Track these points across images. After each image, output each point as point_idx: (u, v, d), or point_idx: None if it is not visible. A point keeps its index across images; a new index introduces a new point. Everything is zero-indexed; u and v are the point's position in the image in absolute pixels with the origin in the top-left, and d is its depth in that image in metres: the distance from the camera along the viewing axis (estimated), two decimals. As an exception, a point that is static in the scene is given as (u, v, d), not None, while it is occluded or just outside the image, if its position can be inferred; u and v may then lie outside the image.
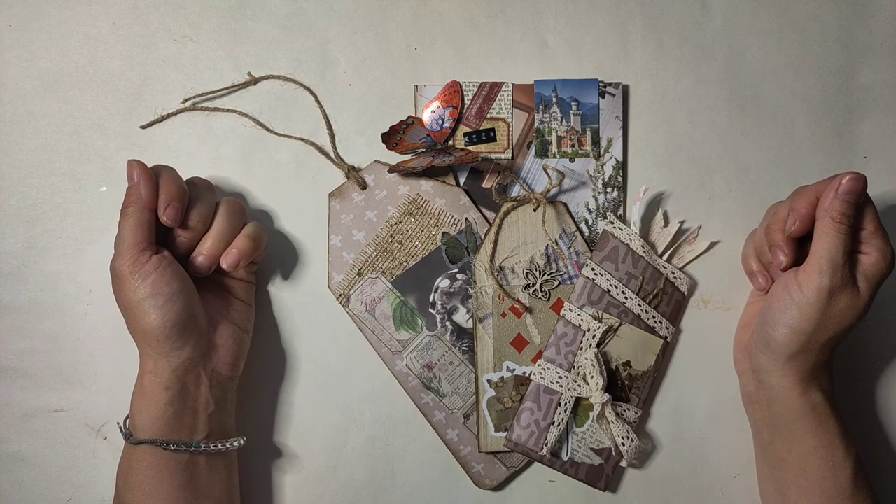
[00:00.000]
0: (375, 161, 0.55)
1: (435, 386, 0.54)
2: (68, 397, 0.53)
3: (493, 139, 0.55)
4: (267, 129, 0.55)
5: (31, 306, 0.54)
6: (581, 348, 0.53)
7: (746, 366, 0.52)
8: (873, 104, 0.57)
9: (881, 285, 0.47)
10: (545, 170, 0.54)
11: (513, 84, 0.55)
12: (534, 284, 0.54)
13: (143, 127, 0.55)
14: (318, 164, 0.55)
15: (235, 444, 0.48)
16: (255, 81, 0.55)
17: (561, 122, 0.55)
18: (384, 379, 0.54)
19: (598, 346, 0.53)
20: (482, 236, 0.54)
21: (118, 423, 0.48)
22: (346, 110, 0.55)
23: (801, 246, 0.49)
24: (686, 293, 0.55)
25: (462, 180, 0.55)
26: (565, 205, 0.55)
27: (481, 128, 0.55)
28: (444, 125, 0.55)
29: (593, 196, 0.55)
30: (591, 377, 0.52)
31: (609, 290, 0.53)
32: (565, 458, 0.53)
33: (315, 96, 0.55)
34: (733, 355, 0.54)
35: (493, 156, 0.55)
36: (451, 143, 0.55)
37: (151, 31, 0.55)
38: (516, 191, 0.55)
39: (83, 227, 0.54)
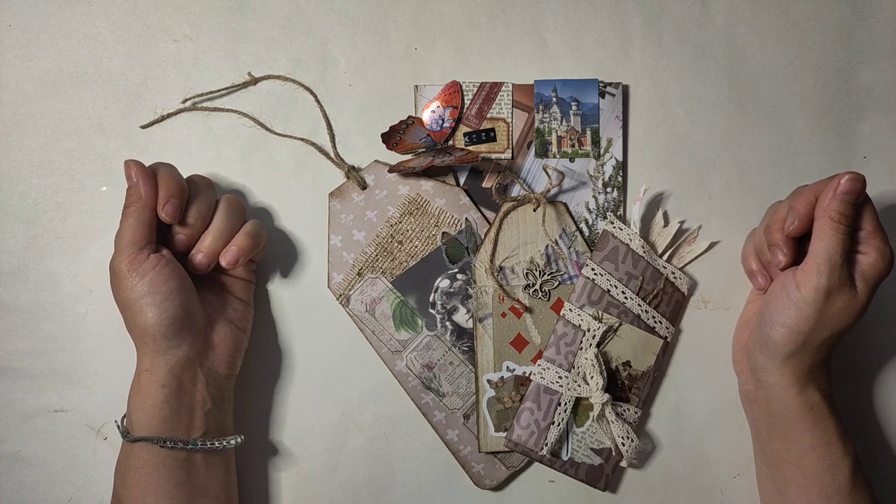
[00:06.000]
0: (375, 161, 0.55)
1: (435, 386, 0.54)
2: (68, 397, 0.53)
3: (493, 139, 0.55)
4: (267, 129, 0.55)
5: (31, 306, 0.54)
6: (581, 348, 0.53)
7: (745, 365, 0.52)
8: (873, 104, 0.57)
9: (879, 286, 0.47)
10: (545, 170, 0.54)
11: (513, 84, 0.55)
12: (534, 284, 0.54)
13: (143, 127, 0.55)
14: (318, 164, 0.55)
15: (232, 442, 0.48)
16: (255, 81, 0.55)
17: (561, 122, 0.55)
18: (384, 379, 0.54)
19: (598, 346, 0.53)
20: (482, 236, 0.54)
21: (115, 421, 0.48)
22: (346, 110, 0.55)
23: (800, 246, 0.49)
24: (686, 293, 0.55)
25: (462, 180, 0.55)
26: (565, 205, 0.55)
27: (481, 128, 0.55)
28: (444, 125, 0.55)
29: (593, 196, 0.55)
30: (591, 377, 0.52)
31: (609, 290, 0.54)
32: (565, 458, 0.53)
33: (315, 96, 0.55)
34: (732, 354, 0.54)
35: (493, 156, 0.55)
36: (451, 143, 0.55)
37: (151, 31, 0.55)
38: (516, 191, 0.55)
39: (83, 227, 0.54)
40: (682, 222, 0.55)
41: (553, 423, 0.52)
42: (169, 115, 0.55)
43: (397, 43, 0.56)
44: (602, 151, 0.55)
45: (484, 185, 0.55)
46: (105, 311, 0.52)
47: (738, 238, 0.55)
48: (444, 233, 0.54)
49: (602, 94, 0.55)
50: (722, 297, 0.56)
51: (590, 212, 0.55)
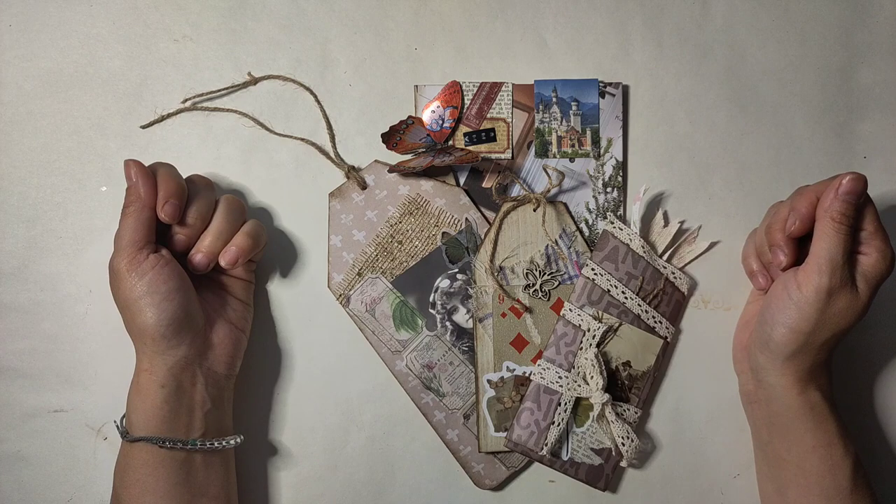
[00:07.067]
0: (375, 161, 0.55)
1: (435, 386, 0.54)
2: (68, 397, 0.53)
3: (493, 139, 0.55)
4: (267, 129, 0.55)
5: (31, 306, 0.54)
6: (581, 348, 0.53)
7: (745, 365, 0.52)
8: (873, 104, 0.57)
9: (881, 286, 0.47)
10: (545, 170, 0.54)
11: (513, 84, 0.55)
12: (534, 284, 0.54)
13: (143, 127, 0.55)
14: (318, 164, 0.55)
15: (231, 442, 0.48)
16: (255, 81, 0.55)
17: (561, 122, 0.55)
18: (384, 379, 0.54)
19: (598, 346, 0.53)
20: (482, 236, 0.54)
21: (115, 421, 0.48)
22: (346, 110, 0.55)
23: (801, 246, 0.49)
24: (686, 293, 0.55)
25: (462, 180, 0.55)
26: (565, 205, 0.55)
27: (481, 128, 0.55)
28: (444, 125, 0.55)
29: (593, 196, 0.55)
30: (591, 377, 0.52)
31: (609, 290, 0.53)
32: (565, 458, 0.53)
33: (315, 96, 0.55)
34: (732, 354, 0.54)
35: (493, 156, 0.55)
36: (451, 143, 0.55)
37: (151, 31, 0.55)
38: (516, 191, 0.55)
39: (83, 227, 0.54)
40: (682, 222, 0.55)
41: (553, 423, 0.52)
42: (169, 115, 0.55)
43: (397, 43, 0.56)
44: (602, 151, 0.55)
45: (484, 185, 0.55)
46: (105, 311, 0.52)
47: (738, 238, 0.55)
48: (444, 233, 0.54)
49: (602, 94, 0.55)
50: (722, 297, 0.56)
51: (590, 212, 0.55)
